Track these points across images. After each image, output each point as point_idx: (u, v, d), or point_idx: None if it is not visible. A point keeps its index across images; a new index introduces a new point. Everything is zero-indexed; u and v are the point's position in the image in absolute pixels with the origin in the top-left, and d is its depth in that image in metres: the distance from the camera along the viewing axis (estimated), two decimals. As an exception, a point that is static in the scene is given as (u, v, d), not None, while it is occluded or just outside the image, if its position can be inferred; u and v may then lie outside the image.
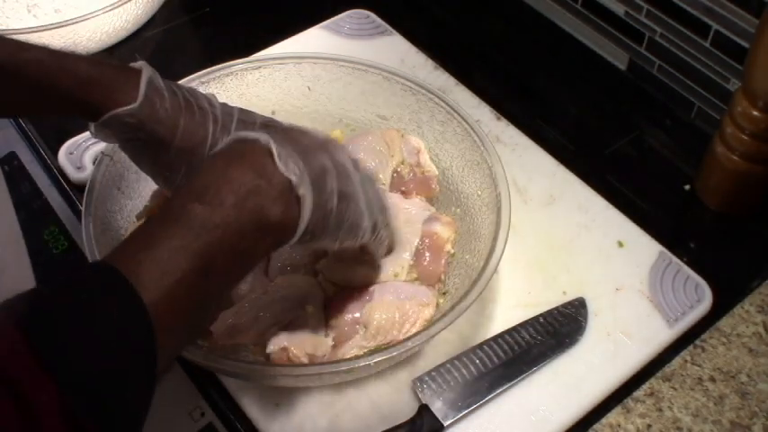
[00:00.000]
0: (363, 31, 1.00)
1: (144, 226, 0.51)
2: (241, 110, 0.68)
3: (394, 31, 1.00)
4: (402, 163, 0.79)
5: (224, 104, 0.67)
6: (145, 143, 0.63)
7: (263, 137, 0.55)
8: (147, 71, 0.63)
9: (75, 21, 0.90)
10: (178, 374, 0.70)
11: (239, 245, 0.51)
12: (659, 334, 0.73)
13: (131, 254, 0.47)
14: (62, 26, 0.90)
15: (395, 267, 0.72)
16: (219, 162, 0.55)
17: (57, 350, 0.40)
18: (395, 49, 0.98)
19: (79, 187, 0.82)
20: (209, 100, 0.66)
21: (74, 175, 0.82)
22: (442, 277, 0.73)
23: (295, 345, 0.65)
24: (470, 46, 1.05)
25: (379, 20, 1.01)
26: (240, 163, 0.53)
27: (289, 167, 0.54)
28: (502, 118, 0.91)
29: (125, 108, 0.61)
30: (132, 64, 0.64)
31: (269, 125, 0.68)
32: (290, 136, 0.59)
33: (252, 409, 0.68)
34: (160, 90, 0.63)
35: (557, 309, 0.74)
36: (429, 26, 1.08)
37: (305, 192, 0.55)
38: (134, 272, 0.45)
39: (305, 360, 0.65)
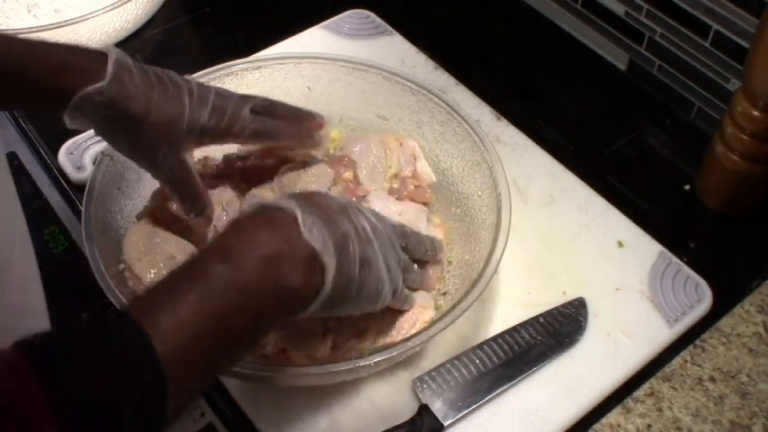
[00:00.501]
0: (363, 31, 1.00)
1: (166, 278, 0.51)
2: (217, 88, 0.68)
3: (394, 31, 1.00)
4: (396, 176, 0.79)
5: (200, 83, 0.67)
6: (118, 120, 0.63)
7: (288, 204, 0.55)
8: (114, 52, 0.63)
9: (75, 21, 0.90)
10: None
11: (256, 311, 0.52)
12: (659, 334, 0.73)
13: (150, 306, 0.48)
14: (62, 26, 0.90)
15: None
16: (247, 225, 0.55)
17: (65, 391, 0.41)
18: (395, 49, 0.98)
19: (79, 187, 0.82)
20: (185, 78, 0.67)
21: (74, 175, 0.82)
22: (440, 276, 0.73)
23: (294, 346, 0.65)
24: (470, 46, 1.05)
25: (379, 20, 1.01)
26: (267, 228, 0.54)
27: (313, 235, 0.54)
28: (502, 118, 0.91)
29: (94, 86, 0.61)
30: (101, 48, 0.63)
31: (247, 98, 0.69)
32: (314, 201, 0.58)
33: (252, 409, 0.68)
34: (129, 68, 0.63)
35: (557, 309, 0.74)
36: (429, 26, 1.08)
37: (329, 260, 0.54)
38: (151, 323, 0.46)
39: (304, 361, 0.65)
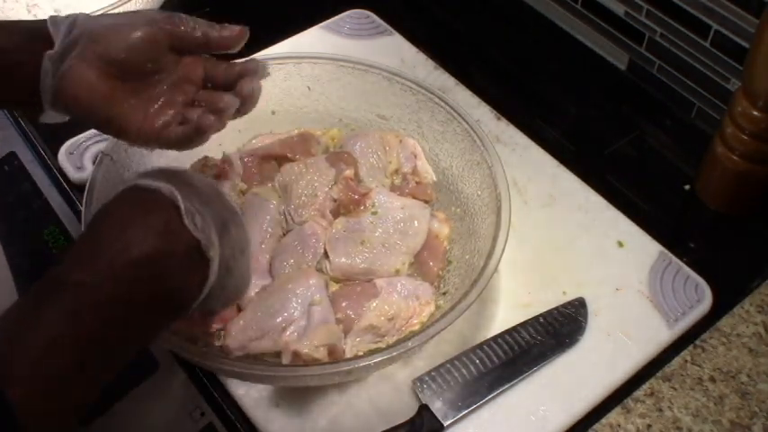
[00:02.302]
0: (363, 31, 1.00)
1: (20, 303, 0.43)
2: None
3: (394, 31, 1.00)
4: (396, 172, 0.79)
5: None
6: None
7: (165, 187, 0.48)
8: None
9: (75, 21, 0.90)
10: (178, 374, 0.70)
11: (133, 325, 0.45)
12: (659, 334, 0.73)
13: (1, 344, 0.41)
14: (62, 26, 0.89)
15: (396, 264, 0.72)
16: (115, 219, 0.47)
17: None
18: (395, 49, 0.98)
19: (79, 187, 0.82)
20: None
21: (74, 175, 0.82)
22: (441, 273, 0.73)
23: (306, 345, 0.64)
24: (470, 46, 1.05)
25: (379, 20, 1.01)
26: (141, 222, 0.46)
27: (197, 225, 0.47)
28: (502, 118, 0.91)
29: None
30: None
31: None
32: (187, 181, 0.52)
33: (252, 409, 0.68)
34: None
35: (557, 309, 0.74)
36: (429, 26, 1.08)
37: (214, 254, 0.48)
38: (2, 368, 0.40)
39: (323, 353, 0.64)
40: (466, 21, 1.08)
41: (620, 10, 0.96)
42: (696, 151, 0.87)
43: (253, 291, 0.69)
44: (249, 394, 0.68)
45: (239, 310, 0.68)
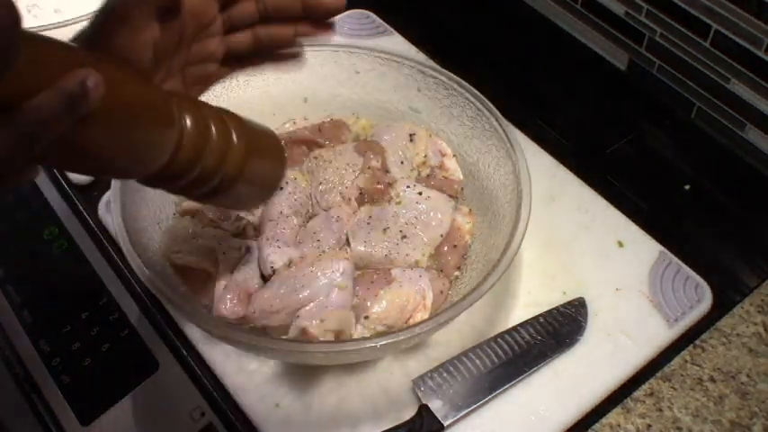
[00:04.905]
0: (363, 31, 1.00)
1: None
2: None
3: (394, 31, 1.00)
4: (424, 164, 0.79)
5: None
6: None
7: None
8: None
9: (74, 21, 0.90)
10: (178, 374, 0.70)
11: None
12: (659, 334, 0.73)
13: None
14: (62, 26, 0.90)
15: (416, 255, 0.71)
16: None
17: None
18: (395, 50, 0.97)
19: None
20: None
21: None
22: (460, 266, 0.73)
23: (316, 326, 0.64)
24: (470, 46, 1.05)
25: (379, 20, 1.01)
26: None
27: None
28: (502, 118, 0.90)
29: None
30: None
31: None
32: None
33: (252, 408, 0.68)
34: None
35: (557, 309, 0.74)
36: (429, 26, 1.08)
37: None
38: None
39: (329, 337, 0.64)
40: (466, 21, 1.08)
41: (620, 10, 0.96)
42: (696, 151, 0.87)
43: (281, 261, 0.69)
44: (249, 394, 0.68)
45: (266, 280, 0.68)
